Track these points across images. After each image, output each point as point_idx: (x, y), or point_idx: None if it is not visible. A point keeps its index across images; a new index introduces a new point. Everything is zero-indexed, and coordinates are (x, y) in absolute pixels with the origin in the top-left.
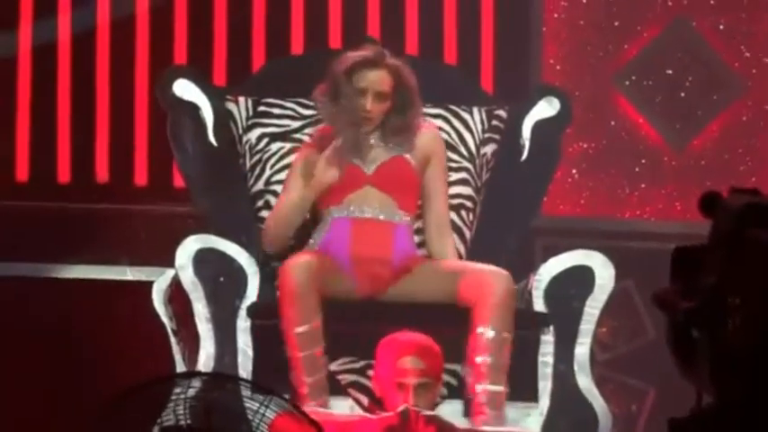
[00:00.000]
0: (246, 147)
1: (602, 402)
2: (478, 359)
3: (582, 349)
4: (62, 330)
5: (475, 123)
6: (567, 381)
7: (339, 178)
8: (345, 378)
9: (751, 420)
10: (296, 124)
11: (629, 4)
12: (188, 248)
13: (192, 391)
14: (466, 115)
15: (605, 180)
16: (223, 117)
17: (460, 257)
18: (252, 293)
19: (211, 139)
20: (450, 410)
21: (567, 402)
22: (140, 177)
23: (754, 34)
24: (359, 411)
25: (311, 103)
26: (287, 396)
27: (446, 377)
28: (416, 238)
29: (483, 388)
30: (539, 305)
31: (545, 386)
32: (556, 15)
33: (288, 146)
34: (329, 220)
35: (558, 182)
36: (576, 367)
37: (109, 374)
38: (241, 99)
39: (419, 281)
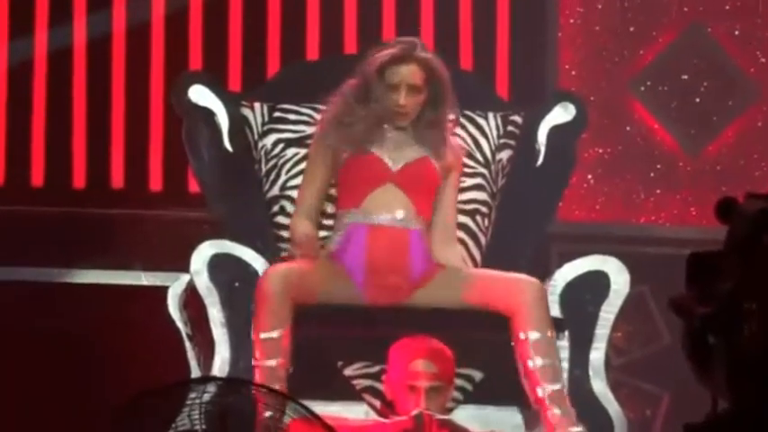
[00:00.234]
0: (262, 152)
1: (617, 407)
2: (530, 363)
3: (597, 354)
4: (77, 335)
5: (490, 129)
6: (582, 385)
7: (364, 172)
8: (360, 383)
9: (766, 426)
10: (311, 130)
11: (644, 9)
12: (203, 254)
13: (206, 397)
14: (481, 121)
15: (620, 185)
16: (238, 123)
17: (475, 265)
18: None
19: (227, 144)
20: (465, 416)
21: (582, 407)
22: (155, 183)
23: None
24: (374, 416)
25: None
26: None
27: (461, 382)
28: None
29: (543, 390)
30: (554, 310)
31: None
32: (571, 21)
33: (303, 151)
34: (347, 225)
35: (574, 187)
36: (591, 372)
37: (123, 379)
38: (256, 105)
39: (437, 290)
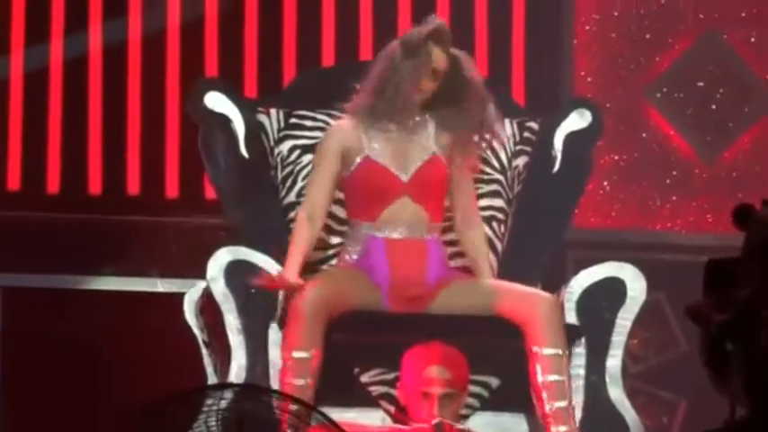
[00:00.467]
0: (278, 159)
1: (634, 414)
2: (539, 379)
3: (613, 361)
4: (93, 342)
5: (506, 135)
6: (599, 393)
7: (376, 186)
8: (377, 390)
9: None
10: None
11: (660, 16)
12: (220, 260)
13: (223, 403)
14: None
15: (636, 192)
16: (254, 129)
17: (492, 271)
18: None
19: (243, 151)
20: (481, 422)
21: (599, 414)
22: (171, 189)
23: None
24: (390, 423)
25: (343, 116)
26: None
27: (478, 389)
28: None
29: (551, 406)
30: (570, 317)
31: (577, 398)
32: (587, 28)
33: None
34: (364, 238)
35: (590, 194)
36: (607, 379)
37: (140, 386)
38: (272, 111)
39: (455, 298)
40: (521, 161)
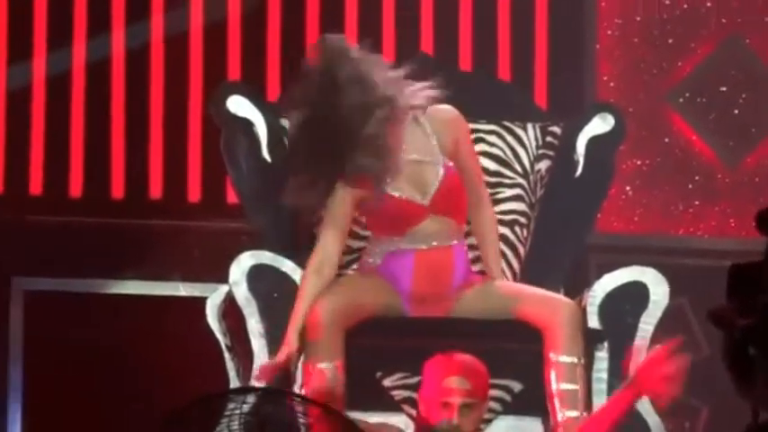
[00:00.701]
0: None
1: (657, 418)
2: (554, 386)
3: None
4: (115, 346)
5: (529, 139)
6: None
7: (399, 216)
8: (400, 394)
9: None
10: None
11: (683, 21)
12: (242, 264)
13: (246, 407)
14: (520, 131)
15: (659, 197)
16: (277, 133)
17: (514, 275)
18: None
19: (265, 155)
20: (504, 426)
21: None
22: (194, 193)
23: None
24: (413, 427)
25: None
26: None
27: (500, 393)
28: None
29: (562, 415)
30: (593, 322)
31: (599, 402)
32: (610, 32)
33: None
34: (391, 248)
35: (612, 198)
36: None
37: (162, 390)
38: None
39: (476, 302)
40: (543, 165)
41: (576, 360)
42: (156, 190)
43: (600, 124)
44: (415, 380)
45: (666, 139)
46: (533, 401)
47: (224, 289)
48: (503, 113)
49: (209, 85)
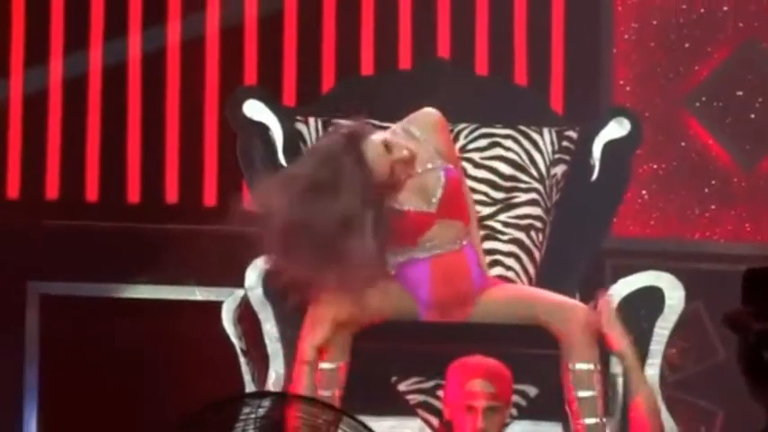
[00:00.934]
0: None
1: (672, 423)
2: (572, 394)
3: (652, 370)
4: (131, 350)
5: (545, 144)
6: None
7: (407, 228)
8: (415, 398)
9: None
10: None
11: (699, 25)
12: (258, 269)
13: (261, 411)
14: (536, 136)
15: (675, 201)
16: (293, 138)
17: (529, 280)
18: None
19: (281, 159)
20: (519, 431)
21: None
22: (210, 198)
23: None
24: None
25: (382, 124)
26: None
27: (516, 397)
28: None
29: (581, 423)
30: None
31: (615, 407)
32: (626, 37)
33: None
34: (403, 258)
35: (628, 203)
36: None
37: (178, 394)
38: (311, 119)
39: (491, 307)
40: (559, 170)
41: (592, 367)
42: (171, 194)
43: (616, 129)
44: (429, 384)
45: (683, 144)
46: (549, 406)
47: (239, 293)
48: (519, 118)
49: (226, 90)
